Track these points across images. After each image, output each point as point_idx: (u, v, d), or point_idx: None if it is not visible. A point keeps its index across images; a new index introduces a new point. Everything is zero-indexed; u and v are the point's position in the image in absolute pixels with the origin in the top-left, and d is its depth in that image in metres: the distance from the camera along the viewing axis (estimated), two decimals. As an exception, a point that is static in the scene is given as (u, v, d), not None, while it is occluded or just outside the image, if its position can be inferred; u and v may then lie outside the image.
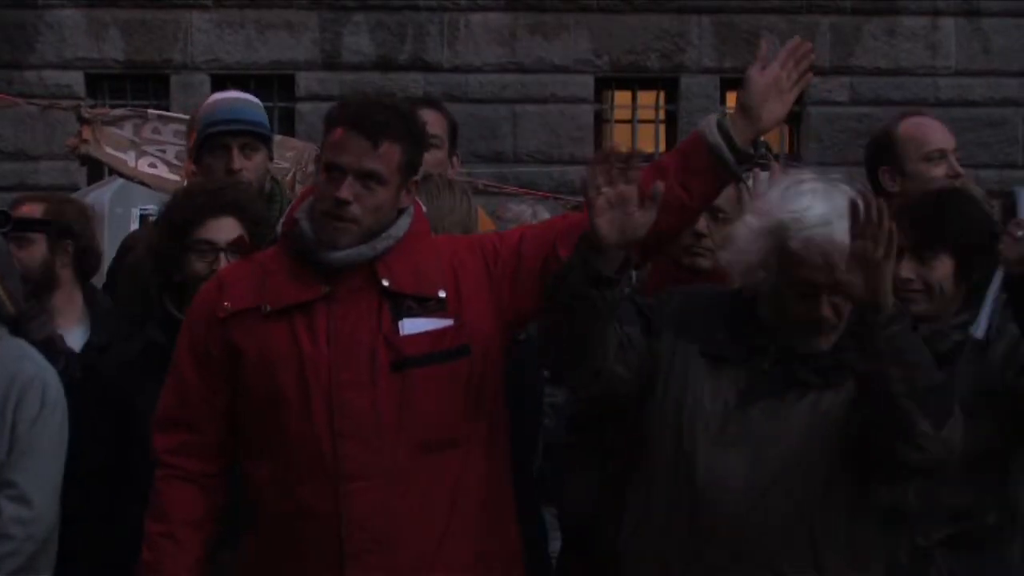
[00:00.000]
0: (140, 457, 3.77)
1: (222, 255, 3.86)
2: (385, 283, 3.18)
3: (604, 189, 2.95)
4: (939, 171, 4.36)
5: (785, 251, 3.04)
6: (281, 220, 3.40)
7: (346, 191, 3.14)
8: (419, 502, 3.14)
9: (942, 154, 4.38)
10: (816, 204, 3.04)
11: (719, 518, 3.07)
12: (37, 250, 4.41)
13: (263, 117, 4.69)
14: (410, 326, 3.17)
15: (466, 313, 3.21)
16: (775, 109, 3.30)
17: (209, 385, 3.30)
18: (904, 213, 3.68)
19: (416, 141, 3.25)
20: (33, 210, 4.45)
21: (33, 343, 3.88)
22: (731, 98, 12.93)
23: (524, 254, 3.27)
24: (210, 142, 4.57)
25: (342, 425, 3.13)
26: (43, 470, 3.71)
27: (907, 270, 3.60)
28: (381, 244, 3.20)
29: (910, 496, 3.42)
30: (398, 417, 3.14)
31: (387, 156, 3.17)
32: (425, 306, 3.19)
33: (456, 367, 3.18)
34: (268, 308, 3.21)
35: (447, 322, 3.19)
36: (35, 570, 3.71)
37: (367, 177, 3.16)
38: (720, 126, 3.26)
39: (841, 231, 2.99)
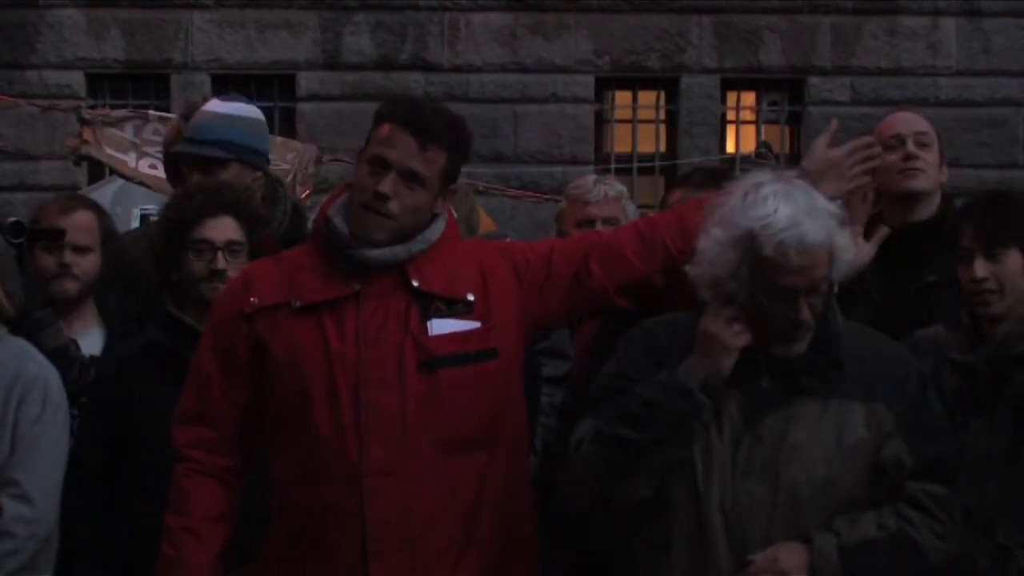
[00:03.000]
0: (140, 457, 3.78)
1: (220, 254, 3.87)
2: (415, 283, 3.21)
3: None
4: (894, 157, 4.36)
5: (758, 259, 2.99)
6: (312, 217, 3.42)
7: (387, 186, 3.19)
8: (442, 502, 3.16)
9: (899, 140, 4.36)
10: (781, 206, 3.00)
11: (746, 550, 3.04)
12: (94, 260, 4.40)
13: (236, 134, 4.58)
14: (438, 326, 3.20)
15: (494, 317, 3.24)
16: (828, 187, 3.34)
17: (231, 381, 3.31)
18: (968, 214, 3.71)
19: (461, 151, 3.31)
20: (89, 221, 4.44)
21: (46, 351, 3.89)
22: (731, 98, 12.93)
23: (554, 265, 3.31)
24: (180, 164, 4.60)
25: (368, 423, 3.14)
26: (45, 469, 3.72)
27: (981, 269, 3.63)
28: (416, 247, 3.24)
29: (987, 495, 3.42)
30: (424, 417, 3.15)
31: (432, 160, 3.23)
32: (453, 308, 3.22)
33: (482, 369, 3.21)
34: (298, 303, 3.23)
35: (475, 324, 3.22)
36: (37, 569, 3.71)
37: (409, 177, 3.21)
38: None
39: (812, 229, 2.98)
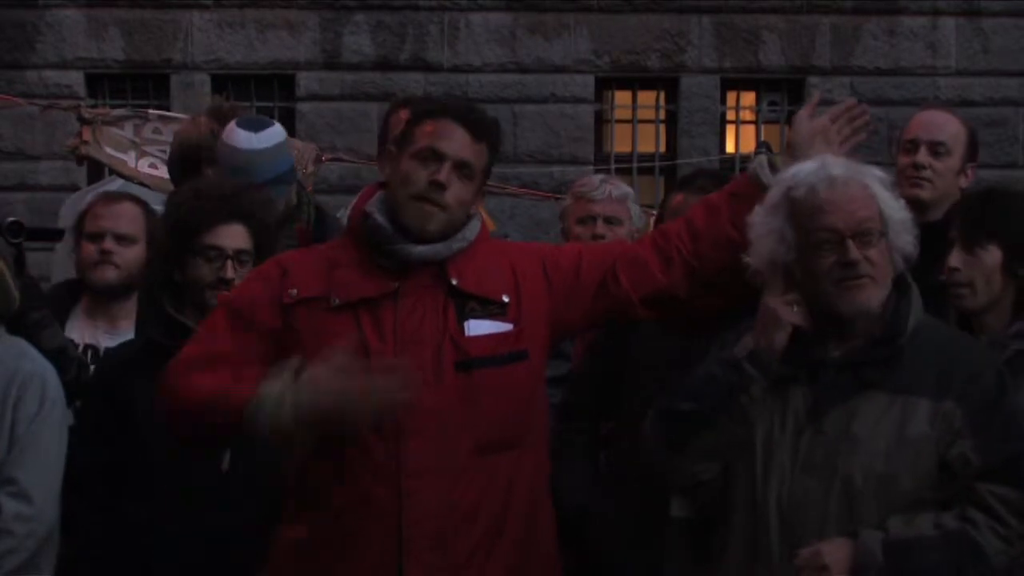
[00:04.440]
0: (139, 458, 3.78)
1: (229, 263, 3.84)
2: (454, 282, 3.23)
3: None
4: (906, 160, 4.37)
5: (796, 210, 3.05)
6: (347, 214, 3.43)
7: (444, 174, 3.22)
8: (476, 500, 3.19)
9: (914, 145, 4.38)
10: (805, 163, 3.12)
11: (801, 544, 3.02)
12: (139, 252, 4.47)
13: (280, 164, 4.53)
14: (475, 327, 3.23)
15: (525, 319, 3.27)
16: (819, 152, 3.33)
17: (243, 350, 3.25)
18: (956, 209, 3.74)
19: (496, 149, 3.36)
20: (134, 212, 4.54)
21: (45, 352, 3.90)
22: (731, 98, 12.92)
23: (582, 270, 3.34)
24: None
25: (406, 422, 3.14)
26: (44, 467, 3.72)
27: (955, 260, 3.61)
28: (456, 245, 3.26)
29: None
30: (461, 416, 3.18)
31: (480, 154, 3.30)
32: (487, 309, 3.24)
33: (514, 371, 3.24)
34: (337, 301, 3.23)
35: (508, 326, 3.25)
36: (37, 569, 3.71)
37: (462, 168, 3.25)
38: (772, 166, 3.33)
39: (839, 168, 3.05)
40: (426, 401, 3.15)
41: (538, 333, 3.29)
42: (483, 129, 3.30)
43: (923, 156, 4.33)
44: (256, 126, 4.53)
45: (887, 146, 12.50)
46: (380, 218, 3.27)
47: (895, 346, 3.07)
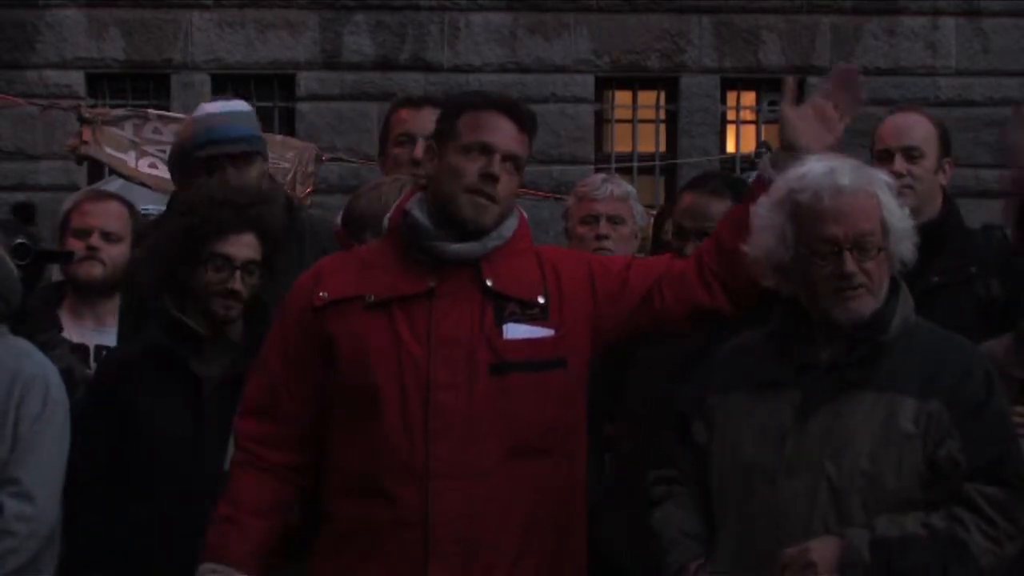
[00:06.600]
0: (140, 459, 3.78)
1: (238, 273, 3.81)
2: (489, 283, 3.21)
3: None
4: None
5: (798, 212, 3.04)
6: (388, 215, 3.42)
7: (496, 166, 3.20)
8: (504, 506, 3.16)
9: (887, 154, 4.27)
10: (816, 165, 3.09)
11: (788, 543, 3.01)
12: (123, 250, 4.49)
13: (251, 128, 4.59)
14: (513, 331, 3.20)
15: (566, 325, 3.24)
16: (821, 136, 3.32)
17: (297, 377, 3.30)
18: None
19: (533, 139, 3.36)
20: (121, 211, 4.57)
21: None
22: (731, 98, 12.93)
23: (630, 281, 3.32)
24: (209, 164, 4.50)
25: (435, 424, 3.14)
26: (46, 467, 3.71)
27: None
28: (491, 243, 3.24)
29: None
30: (491, 420, 3.15)
31: (525, 146, 3.31)
32: (527, 312, 3.21)
33: (552, 378, 3.21)
34: (372, 298, 3.22)
35: (548, 332, 3.22)
36: (37, 569, 3.71)
37: (511, 160, 3.24)
38: (775, 165, 3.29)
39: (847, 175, 3.03)
40: (456, 405, 3.14)
41: (579, 341, 3.26)
42: (527, 120, 3.31)
43: (899, 164, 4.25)
44: (220, 100, 4.69)
45: (887, 146, 12.52)
46: (419, 215, 3.25)
47: (875, 345, 3.07)
